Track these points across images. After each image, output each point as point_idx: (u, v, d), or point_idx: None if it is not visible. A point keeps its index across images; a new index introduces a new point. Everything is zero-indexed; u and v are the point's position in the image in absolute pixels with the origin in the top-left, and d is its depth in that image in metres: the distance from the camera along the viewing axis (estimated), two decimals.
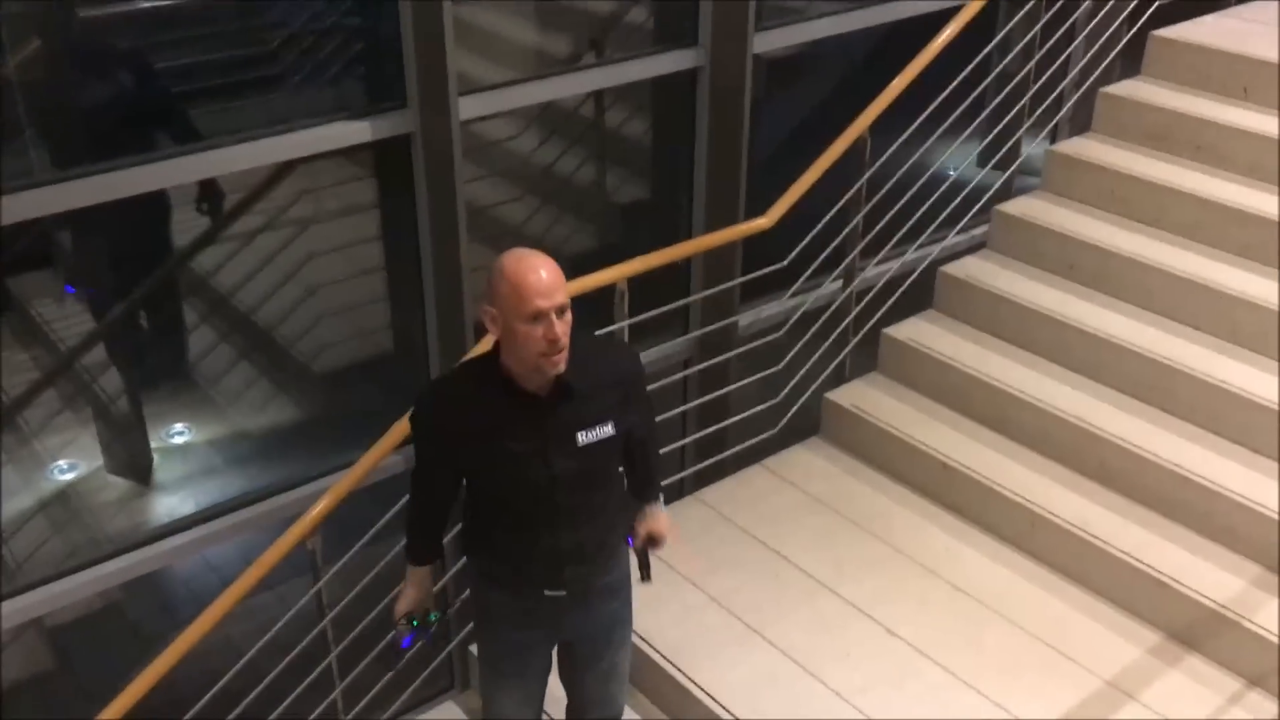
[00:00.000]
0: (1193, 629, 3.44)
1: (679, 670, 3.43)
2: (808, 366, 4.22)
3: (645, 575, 2.75)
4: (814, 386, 4.26)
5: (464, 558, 2.84)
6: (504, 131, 4.57)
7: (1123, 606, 3.58)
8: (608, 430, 2.53)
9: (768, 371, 4.21)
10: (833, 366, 4.34)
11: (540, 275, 2.34)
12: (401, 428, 3.35)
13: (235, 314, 4.16)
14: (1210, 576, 3.48)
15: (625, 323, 3.71)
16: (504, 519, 2.60)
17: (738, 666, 3.43)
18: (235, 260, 4.05)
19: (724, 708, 3.31)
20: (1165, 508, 3.69)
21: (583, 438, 2.50)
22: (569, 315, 2.38)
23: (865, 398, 4.32)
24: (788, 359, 4.18)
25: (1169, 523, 3.67)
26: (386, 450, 3.35)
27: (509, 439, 2.47)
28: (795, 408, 4.24)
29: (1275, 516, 3.47)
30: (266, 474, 4.18)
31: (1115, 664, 3.40)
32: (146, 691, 3.02)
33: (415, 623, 2.75)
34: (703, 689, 3.37)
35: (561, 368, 2.41)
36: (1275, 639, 3.28)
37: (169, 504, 4.16)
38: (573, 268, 4.08)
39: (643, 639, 3.47)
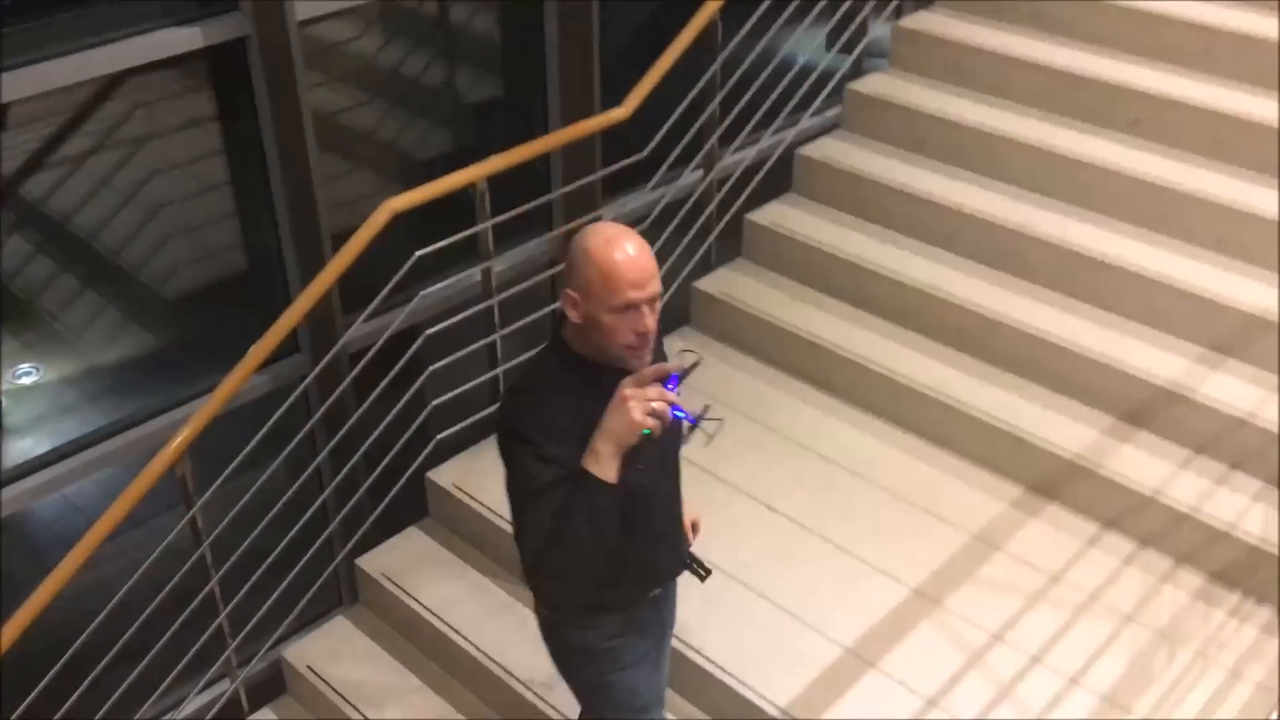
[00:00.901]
0: (1051, 480, 3.62)
1: None
2: (674, 257, 4.22)
3: (704, 572, 2.55)
4: (682, 276, 4.28)
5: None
6: (345, 33, 4.38)
7: (986, 464, 3.74)
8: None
9: None
10: (699, 255, 4.36)
11: (633, 262, 2.09)
12: (265, 346, 3.25)
13: (75, 242, 3.94)
14: (1065, 429, 3.66)
15: (488, 224, 3.64)
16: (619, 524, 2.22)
17: None
18: (70, 184, 3.82)
19: None
20: (1021, 368, 3.85)
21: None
22: (659, 304, 2.16)
23: (732, 284, 4.37)
24: (654, 250, 4.17)
25: (1025, 382, 3.84)
26: (250, 370, 3.25)
27: None
28: (664, 299, 4.25)
29: (1124, 370, 3.65)
30: (125, 407, 4.02)
31: (981, 519, 3.57)
32: (17, 636, 2.92)
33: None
34: None
35: (647, 360, 2.17)
36: (1127, 483, 3.48)
37: (23, 447, 3.97)
38: (426, 173, 3.99)
39: None
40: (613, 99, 3.96)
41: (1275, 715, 2.25)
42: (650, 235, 4.13)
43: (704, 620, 3.23)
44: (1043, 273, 3.98)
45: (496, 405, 2.26)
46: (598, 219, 4.51)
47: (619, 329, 2.12)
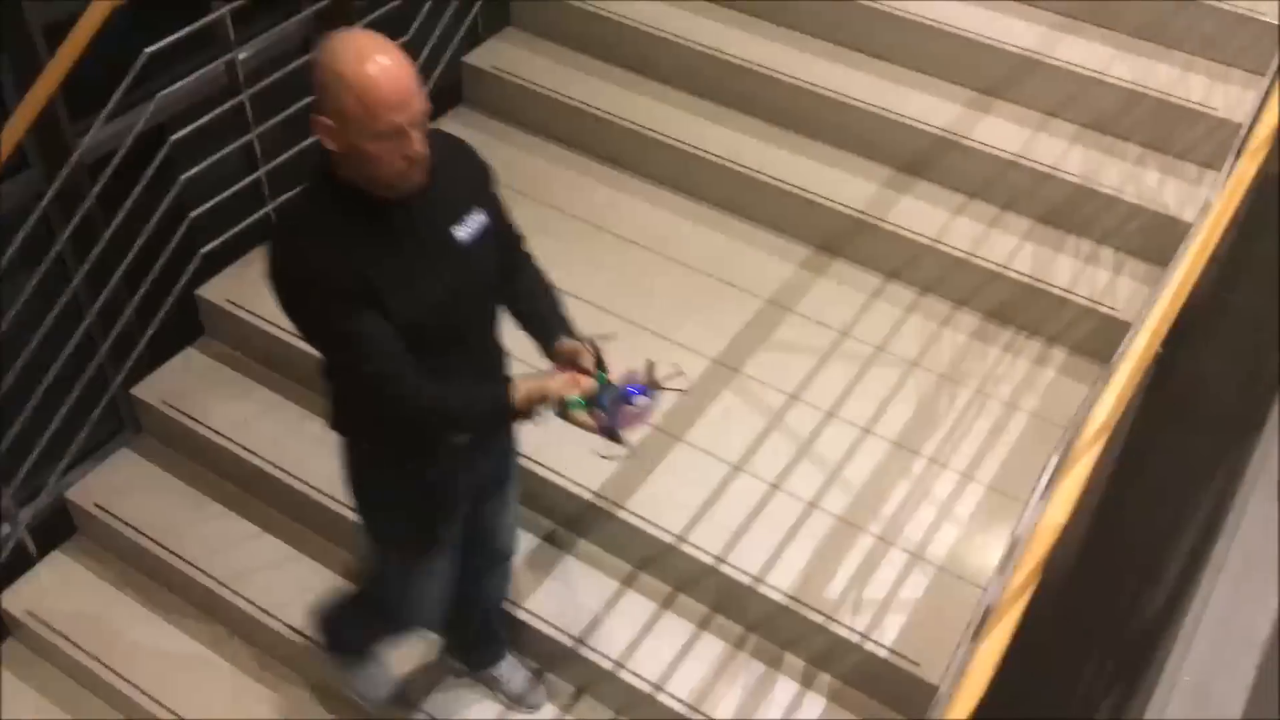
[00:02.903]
0: (837, 237, 3.69)
1: None
2: (439, 30, 3.93)
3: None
4: (450, 51, 4.00)
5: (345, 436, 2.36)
6: None
7: (774, 227, 3.77)
8: (484, 219, 2.19)
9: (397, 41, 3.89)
10: (465, 25, 4.07)
11: (392, 80, 1.88)
12: None
13: None
14: (847, 185, 3.70)
15: (225, 8, 3.27)
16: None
17: None
18: None
19: None
20: (801, 125, 3.85)
21: (462, 233, 2.14)
22: (426, 121, 1.97)
23: (504, 56, 4.13)
24: (415, 26, 3.87)
25: (806, 140, 3.84)
26: None
27: (400, 265, 2.05)
28: (433, 77, 3.99)
29: (899, 119, 3.69)
30: None
31: (773, 282, 3.62)
32: None
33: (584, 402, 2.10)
34: None
35: (422, 179, 2.01)
36: (907, 233, 3.57)
37: None
38: None
39: None
40: None
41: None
42: (409, 9, 3.84)
43: None
44: (814, 23, 3.92)
45: (267, 244, 2.10)
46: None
47: (384, 156, 1.93)
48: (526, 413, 2.15)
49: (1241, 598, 1.66)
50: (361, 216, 2.02)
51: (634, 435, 2.16)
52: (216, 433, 3.36)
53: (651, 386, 2.06)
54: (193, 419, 3.40)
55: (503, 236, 2.30)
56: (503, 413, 2.16)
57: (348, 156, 1.96)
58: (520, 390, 2.13)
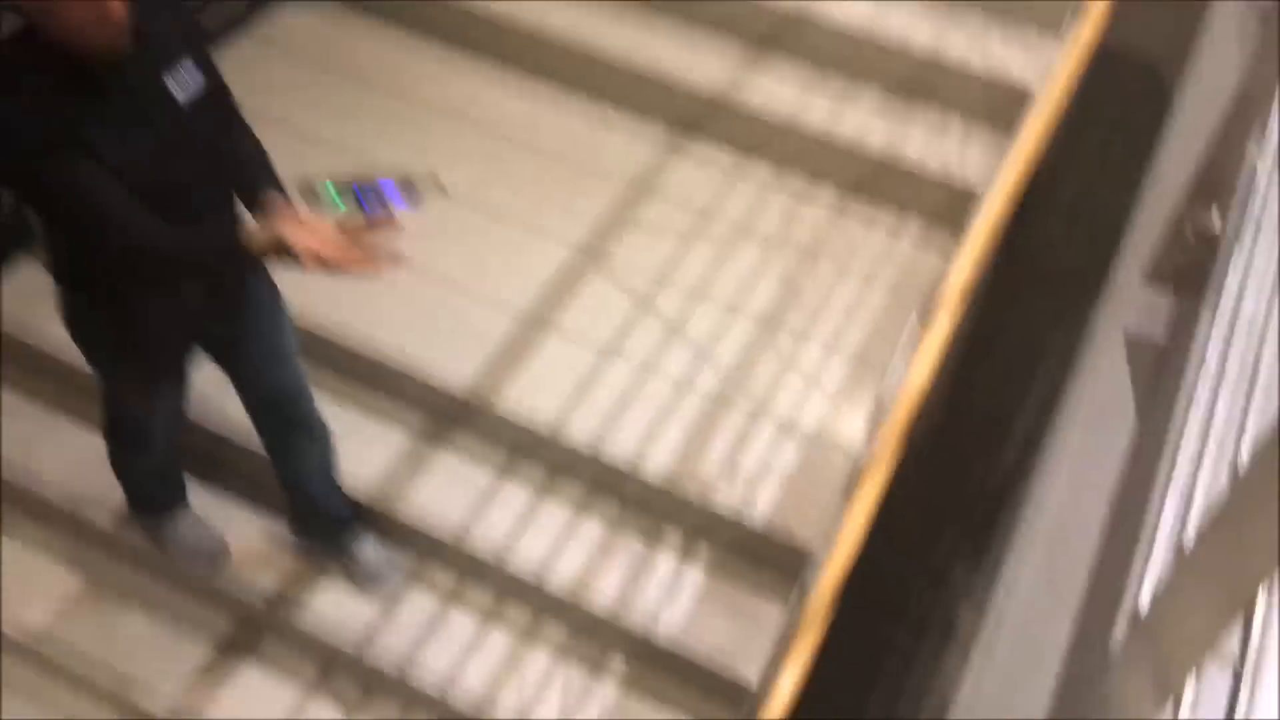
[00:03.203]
0: (694, 116, 3.67)
1: None
2: None
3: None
4: None
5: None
6: None
7: (631, 109, 3.72)
8: (199, 77, 2.09)
9: None
10: None
11: None
12: None
13: None
14: (702, 62, 3.67)
15: None
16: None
17: None
18: None
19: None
20: (653, 3, 3.78)
21: (178, 92, 2.06)
22: None
23: None
24: None
25: (660, 18, 3.78)
26: None
27: (112, 123, 1.97)
28: None
29: None
30: None
31: (633, 165, 3.59)
32: None
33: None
34: None
35: (123, 40, 1.91)
36: (761, 111, 3.58)
37: None
38: None
39: None
40: None
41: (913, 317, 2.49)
42: None
43: (372, 311, 3.13)
44: None
45: None
46: None
47: (78, 15, 1.84)
48: (271, 242, 2.04)
49: (1090, 448, 1.77)
50: (67, 74, 1.93)
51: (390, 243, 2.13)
52: (59, 349, 3.18)
53: (409, 187, 2.10)
54: (30, 335, 3.22)
55: (217, 94, 2.21)
56: (234, 238, 2.09)
57: (40, 14, 1.87)
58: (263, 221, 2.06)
